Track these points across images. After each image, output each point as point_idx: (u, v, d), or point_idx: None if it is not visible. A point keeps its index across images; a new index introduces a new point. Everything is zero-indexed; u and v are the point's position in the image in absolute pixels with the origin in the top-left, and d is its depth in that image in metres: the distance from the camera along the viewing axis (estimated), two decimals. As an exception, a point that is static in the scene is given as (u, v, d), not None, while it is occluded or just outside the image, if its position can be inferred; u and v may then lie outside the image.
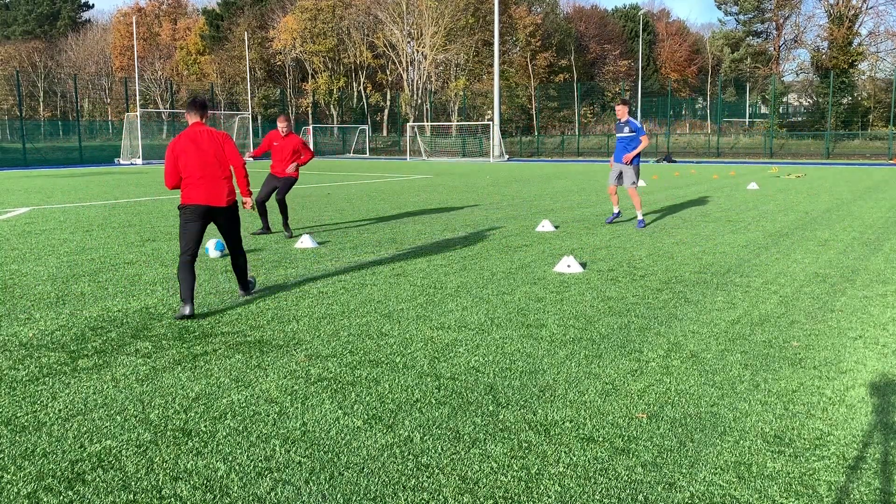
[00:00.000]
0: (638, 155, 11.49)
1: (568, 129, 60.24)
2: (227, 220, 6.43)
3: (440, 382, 4.47)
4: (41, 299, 6.69)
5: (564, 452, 3.51)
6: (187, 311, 5.95)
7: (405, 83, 61.68)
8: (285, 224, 10.93)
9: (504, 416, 3.96)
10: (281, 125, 10.89)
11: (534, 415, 3.96)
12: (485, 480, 3.25)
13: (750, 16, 61.98)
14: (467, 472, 3.33)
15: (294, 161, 10.94)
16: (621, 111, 11.47)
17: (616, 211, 12.11)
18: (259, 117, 59.85)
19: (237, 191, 6.53)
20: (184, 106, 65.92)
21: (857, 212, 13.53)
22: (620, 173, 11.61)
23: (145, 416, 3.96)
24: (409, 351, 5.11)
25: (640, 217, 11.63)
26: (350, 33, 61.90)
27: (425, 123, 53.20)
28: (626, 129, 11.43)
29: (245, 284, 6.78)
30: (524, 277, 7.63)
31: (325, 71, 62.67)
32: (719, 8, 65.00)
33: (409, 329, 5.67)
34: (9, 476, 3.30)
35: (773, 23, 61.51)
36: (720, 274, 7.77)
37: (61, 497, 3.11)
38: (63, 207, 14.96)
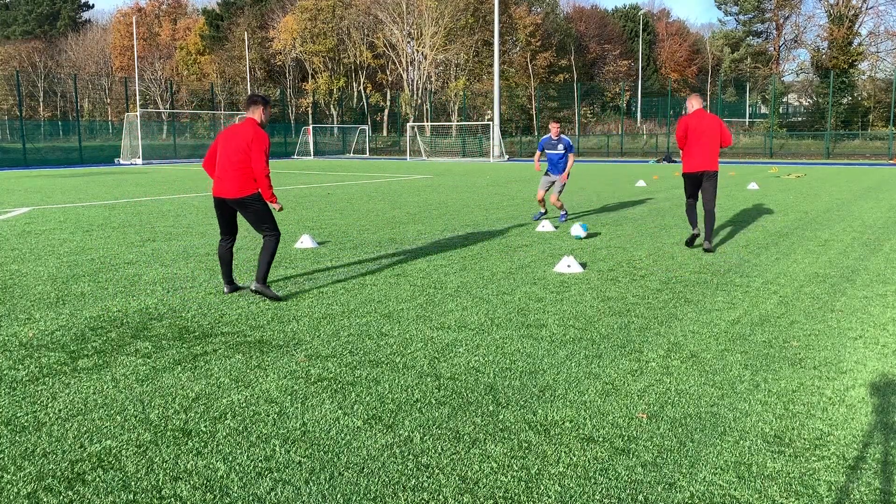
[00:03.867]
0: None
1: (568, 129, 60.25)
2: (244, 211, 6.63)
3: (440, 382, 4.47)
4: (41, 299, 6.69)
5: (564, 452, 3.51)
6: (225, 290, 6.88)
7: (405, 83, 61.68)
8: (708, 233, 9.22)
9: (504, 416, 3.96)
10: (694, 102, 9.26)
11: (534, 415, 3.96)
12: (485, 480, 3.25)
13: (750, 16, 61.96)
14: (467, 472, 3.33)
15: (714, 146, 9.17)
16: (555, 129, 12.15)
17: (543, 210, 12.77)
18: (259, 117, 59.71)
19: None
20: (183, 106, 65.45)
21: (857, 212, 13.53)
22: (552, 184, 12.47)
23: (145, 416, 3.96)
24: (409, 351, 5.11)
25: (564, 211, 12.73)
26: (350, 33, 61.90)
27: (425, 123, 53.20)
28: (560, 146, 12.18)
29: (259, 276, 6.58)
30: (524, 277, 7.63)
31: (325, 71, 62.68)
32: (719, 8, 64.98)
33: (409, 329, 5.67)
34: (9, 476, 3.30)
35: (773, 23, 61.50)
36: (720, 274, 7.77)
37: (61, 497, 3.11)
38: (63, 207, 14.96)
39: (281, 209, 6.73)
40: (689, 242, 9.59)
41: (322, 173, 28.56)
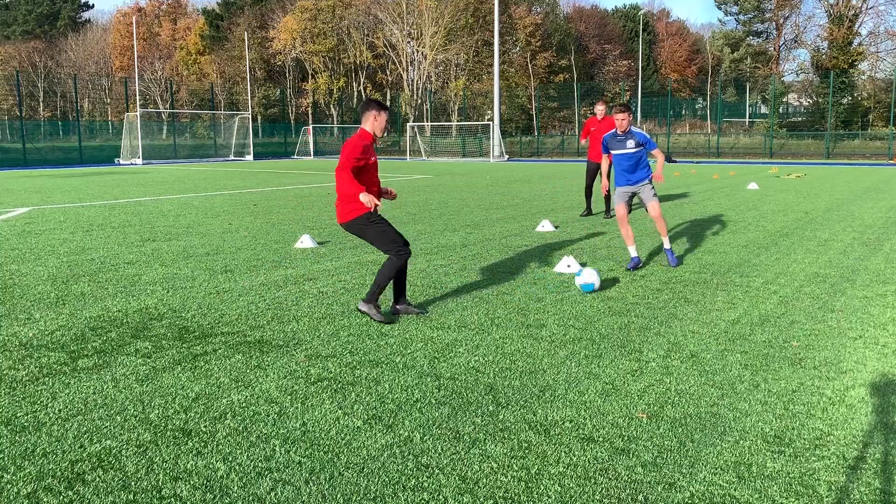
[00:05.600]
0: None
1: (568, 129, 60.23)
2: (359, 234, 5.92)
3: (440, 382, 4.47)
4: (41, 299, 6.69)
5: (564, 452, 3.51)
6: (396, 308, 6.14)
7: (405, 83, 61.68)
8: (607, 210, 12.87)
9: (504, 416, 3.96)
10: (598, 108, 11.84)
11: (534, 415, 3.96)
12: (485, 480, 3.25)
13: (750, 16, 62.01)
14: (467, 472, 3.33)
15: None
16: (622, 120, 8.12)
17: (635, 255, 8.29)
18: (259, 117, 59.84)
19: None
20: (183, 105, 65.10)
21: (857, 212, 13.53)
22: (632, 196, 8.43)
23: (145, 416, 3.96)
24: (409, 351, 5.11)
25: (668, 246, 8.46)
26: (350, 33, 61.90)
27: (425, 123, 53.19)
28: (631, 142, 8.16)
29: (396, 297, 6.04)
30: (524, 277, 7.63)
31: (325, 71, 62.67)
32: (719, 8, 65.04)
33: (409, 329, 5.67)
34: (9, 476, 3.30)
35: (773, 23, 61.54)
36: (720, 274, 7.77)
37: (61, 497, 3.11)
38: (63, 207, 14.96)
39: (379, 202, 5.68)
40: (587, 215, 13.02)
41: (322, 173, 28.55)
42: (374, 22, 61.33)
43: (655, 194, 8.35)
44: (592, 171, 13.33)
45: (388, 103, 63.60)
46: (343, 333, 5.55)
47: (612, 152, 8.37)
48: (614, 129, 8.30)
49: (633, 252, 8.30)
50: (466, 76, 60.87)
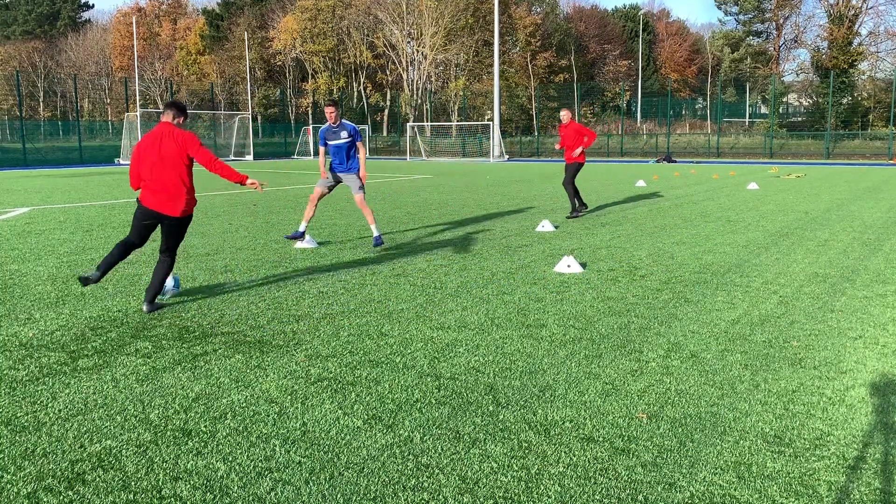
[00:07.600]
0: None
1: (568, 129, 60.10)
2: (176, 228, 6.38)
3: (440, 382, 4.47)
4: (41, 299, 6.69)
5: (564, 452, 3.51)
6: (91, 276, 6.19)
7: (405, 83, 61.67)
8: (580, 204, 13.33)
9: (504, 416, 3.96)
10: (563, 114, 13.46)
11: (534, 415, 3.96)
12: (485, 480, 3.25)
13: (750, 16, 62.01)
14: (467, 472, 3.33)
15: (578, 146, 13.07)
16: (330, 113, 9.35)
17: (302, 229, 9.71)
18: (259, 117, 59.82)
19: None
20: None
21: (857, 212, 13.53)
22: (338, 182, 9.77)
23: (145, 416, 3.96)
24: (409, 351, 5.11)
25: (376, 233, 9.55)
26: (350, 33, 61.89)
27: (425, 123, 53.19)
28: (344, 133, 9.41)
29: (151, 297, 6.23)
30: (524, 277, 7.63)
31: (325, 71, 62.66)
32: (719, 8, 65.03)
33: (409, 329, 5.67)
34: (9, 476, 3.30)
35: (773, 23, 61.53)
36: (720, 274, 7.77)
37: (61, 497, 3.11)
38: (63, 207, 14.96)
39: (261, 186, 6.43)
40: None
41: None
42: (374, 22, 61.31)
43: (361, 187, 9.51)
44: (568, 171, 13.45)
45: (387, 103, 63.77)
46: (343, 333, 5.55)
47: (329, 143, 9.53)
48: (329, 123, 9.48)
49: (301, 227, 9.67)
50: (466, 76, 60.85)
